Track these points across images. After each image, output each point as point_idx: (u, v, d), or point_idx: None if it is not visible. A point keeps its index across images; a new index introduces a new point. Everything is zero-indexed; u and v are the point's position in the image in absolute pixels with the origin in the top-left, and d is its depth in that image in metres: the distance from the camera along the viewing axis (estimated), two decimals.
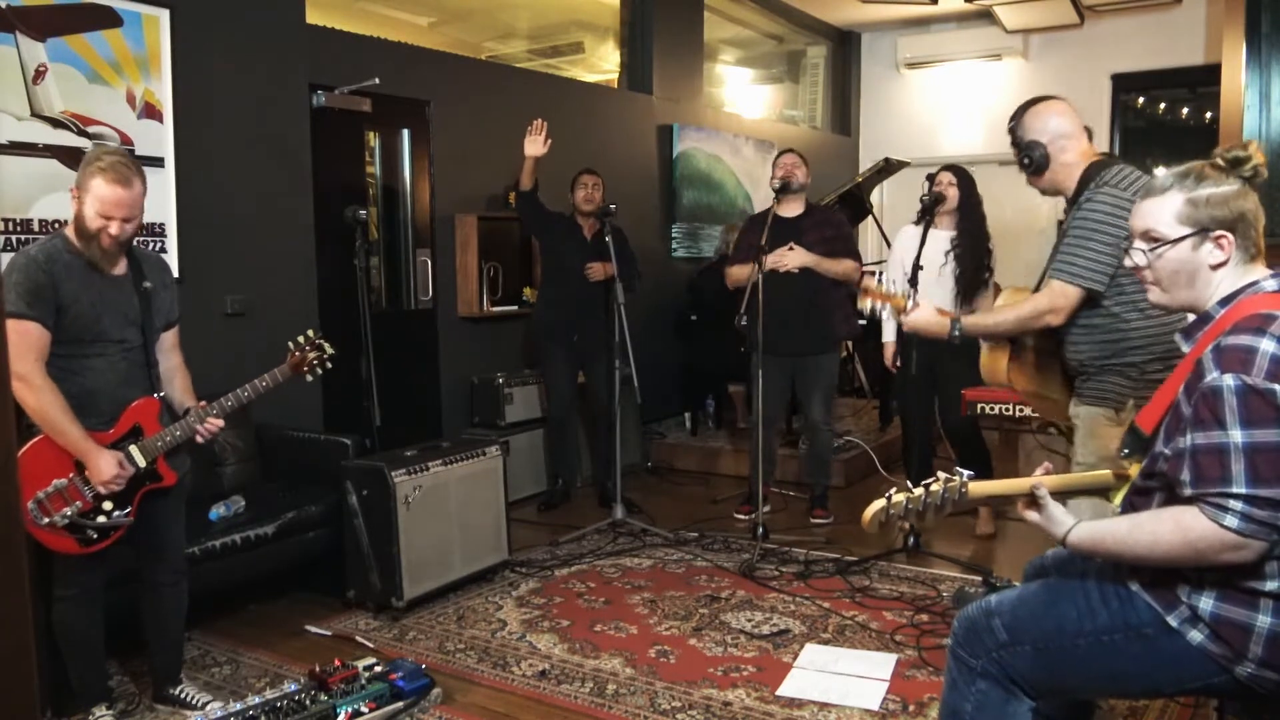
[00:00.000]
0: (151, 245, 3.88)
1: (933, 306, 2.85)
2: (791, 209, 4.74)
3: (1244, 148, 1.82)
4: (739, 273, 4.78)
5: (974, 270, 4.44)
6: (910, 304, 2.87)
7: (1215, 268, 1.80)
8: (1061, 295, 2.63)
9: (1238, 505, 1.60)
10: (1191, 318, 1.87)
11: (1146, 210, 1.87)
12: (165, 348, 2.93)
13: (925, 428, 4.73)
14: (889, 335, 4.84)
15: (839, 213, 5.03)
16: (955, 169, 4.63)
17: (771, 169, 4.85)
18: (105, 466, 2.68)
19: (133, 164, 2.72)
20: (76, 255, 2.71)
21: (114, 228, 2.67)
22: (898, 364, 4.83)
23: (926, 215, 4.42)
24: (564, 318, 5.11)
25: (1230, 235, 1.78)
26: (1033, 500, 1.87)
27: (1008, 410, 4.46)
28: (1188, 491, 1.66)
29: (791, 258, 4.59)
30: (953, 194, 4.54)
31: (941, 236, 4.53)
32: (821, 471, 5.04)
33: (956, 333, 2.75)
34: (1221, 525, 1.61)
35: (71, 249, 2.71)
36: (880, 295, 2.89)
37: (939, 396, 4.64)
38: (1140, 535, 1.71)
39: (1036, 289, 2.85)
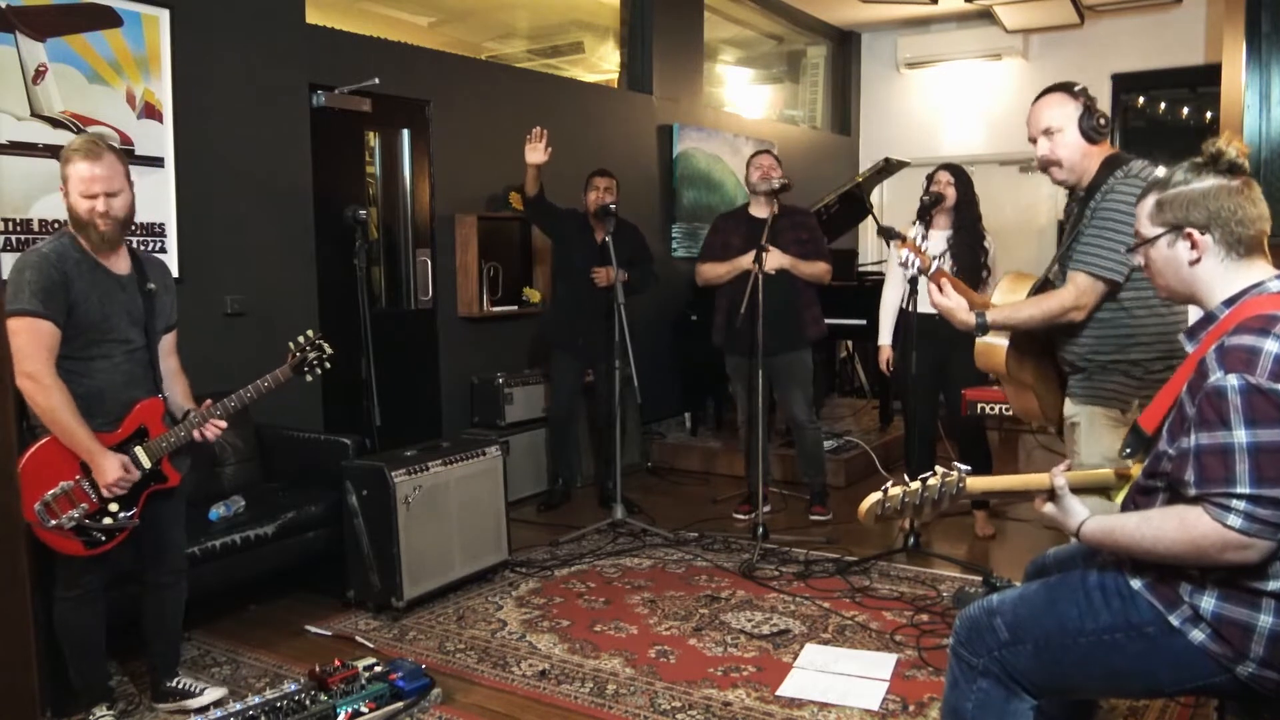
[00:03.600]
0: (151, 245, 3.88)
1: (962, 298, 2.81)
2: (763, 209, 4.74)
3: (1214, 142, 1.82)
4: (712, 271, 4.80)
5: (970, 268, 4.44)
6: (934, 266, 2.83)
7: (1193, 264, 1.81)
8: (1088, 291, 2.61)
9: (1241, 505, 1.61)
10: (1197, 315, 1.87)
11: (1136, 211, 1.92)
12: (164, 351, 2.93)
13: (928, 427, 4.73)
14: (885, 338, 4.84)
15: (811, 214, 5.05)
16: (953, 168, 4.64)
17: (748, 169, 4.84)
18: (110, 469, 2.68)
19: (102, 141, 2.75)
20: (84, 254, 2.71)
21: (99, 204, 2.67)
22: (890, 368, 4.84)
23: (925, 215, 4.44)
24: (572, 318, 5.11)
25: (1199, 232, 1.79)
26: (1050, 493, 1.88)
27: (1008, 410, 4.46)
28: (1192, 491, 1.67)
29: (769, 260, 4.58)
30: (950, 193, 4.55)
31: (938, 236, 4.54)
32: (815, 468, 5.04)
33: (980, 329, 2.71)
34: (1225, 525, 1.61)
35: (78, 248, 2.72)
36: (914, 247, 2.85)
37: (946, 395, 4.64)
38: (1147, 530, 1.72)
39: (1045, 277, 2.85)
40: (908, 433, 4.88)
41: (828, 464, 5.25)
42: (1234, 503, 1.61)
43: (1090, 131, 2.65)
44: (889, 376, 4.94)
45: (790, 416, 4.99)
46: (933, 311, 4.58)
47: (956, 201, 4.55)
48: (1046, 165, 2.73)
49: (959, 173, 4.62)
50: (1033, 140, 2.74)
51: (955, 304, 2.76)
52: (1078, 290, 2.62)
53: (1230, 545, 1.62)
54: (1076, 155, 2.68)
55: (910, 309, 4.39)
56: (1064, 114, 2.67)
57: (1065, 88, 2.71)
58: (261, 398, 2.93)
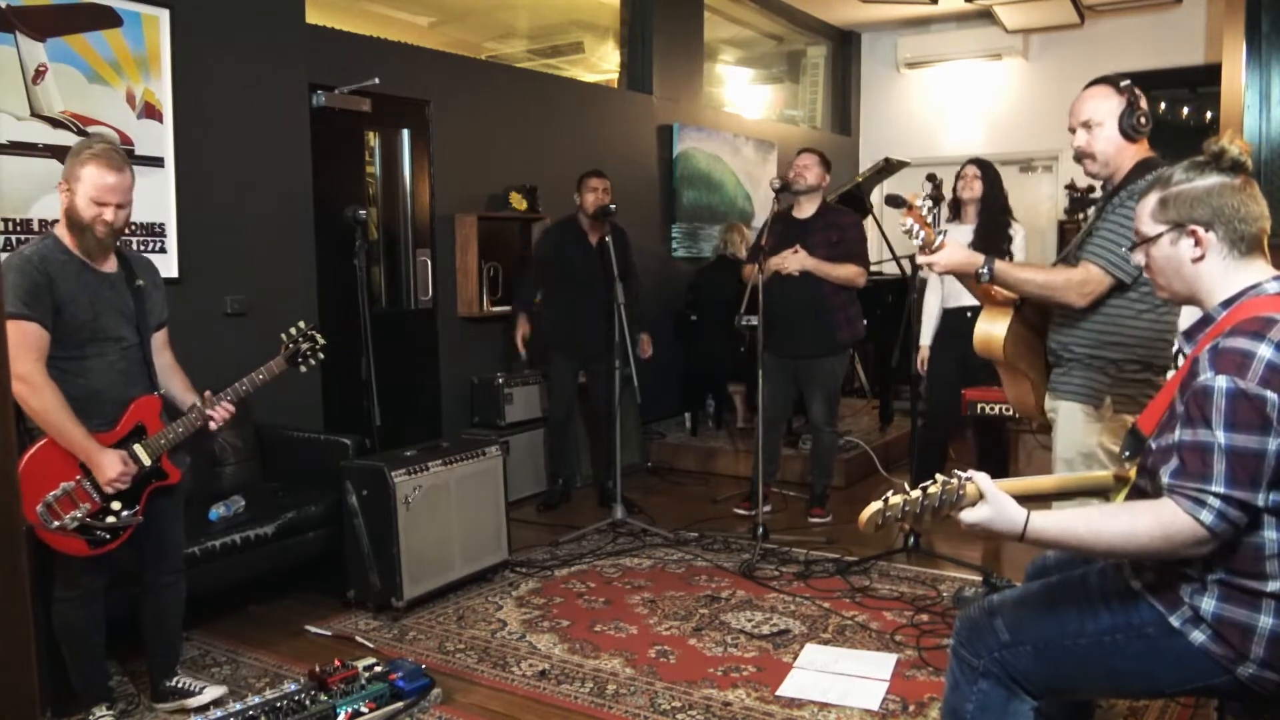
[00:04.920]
0: (151, 245, 3.88)
1: (962, 245, 2.76)
2: (805, 210, 4.74)
3: (1217, 140, 1.82)
4: (749, 271, 4.79)
5: None
6: (939, 241, 2.71)
7: (1196, 262, 1.81)
8: (1097, 280, 2.61)
9: (1216, 503, 1.62)
10: (1189, 321, 1.87)
11: (1136, 211, 1.91)
12: (157, 347, 2.94)
13: (943, 425, 4.75)
14: (925, 339, 4.80)
15: (850, 215, 4.98)
16: (980, 162, 4.66)
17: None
18: (109, 465, 2.68)
19: (121, 152, 2.76)
20: (70, 255, 2.71)
21: (108, 214, 2.68)
22: (925, 368, 4.81)
23: (952, 211, 4.56)
24: (570, 321, 5.10)
25: (1203, 229, 1.79)
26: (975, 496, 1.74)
27: (1007, 410, 4.46)
28: (1166, 480, 1.68)
29: (792, 261, 4.59)
30: (977, 186, 4.58)
31: (965, 229, 4.56)
32: (822, 472, 5.04)
33: (985, 271, 2.66)
34: (1197, 519, 1.63)
35: (64, 249, 2.71)
36: (921, 220, 2.72)
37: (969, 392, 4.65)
38: (1115, 525, 1.69)
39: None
40: (927, 432, 4.85)
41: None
42: (1209, 499, 1.63)
43: (1129, 129, 2.62)
44: (923, 376, 4.89)
45: (809, 419, 4.99)
46: (961, 305, 4.55)
47: (982, 195, 4.57)
48: (1081, 157, 2.72)
49: (986, 167, 4.64)
50: (1072, 130, 2.71)
51: (956, 255, 2.68)
52: (1086, 275, 2.62)
53: (1199, 540, 1.64)
54: (1111, 150, 2.66)
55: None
56: (1106, 108, 2.64)
57: (1111, 81, 2.68)
58: (256, 390, 2.94)
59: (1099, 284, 2.61)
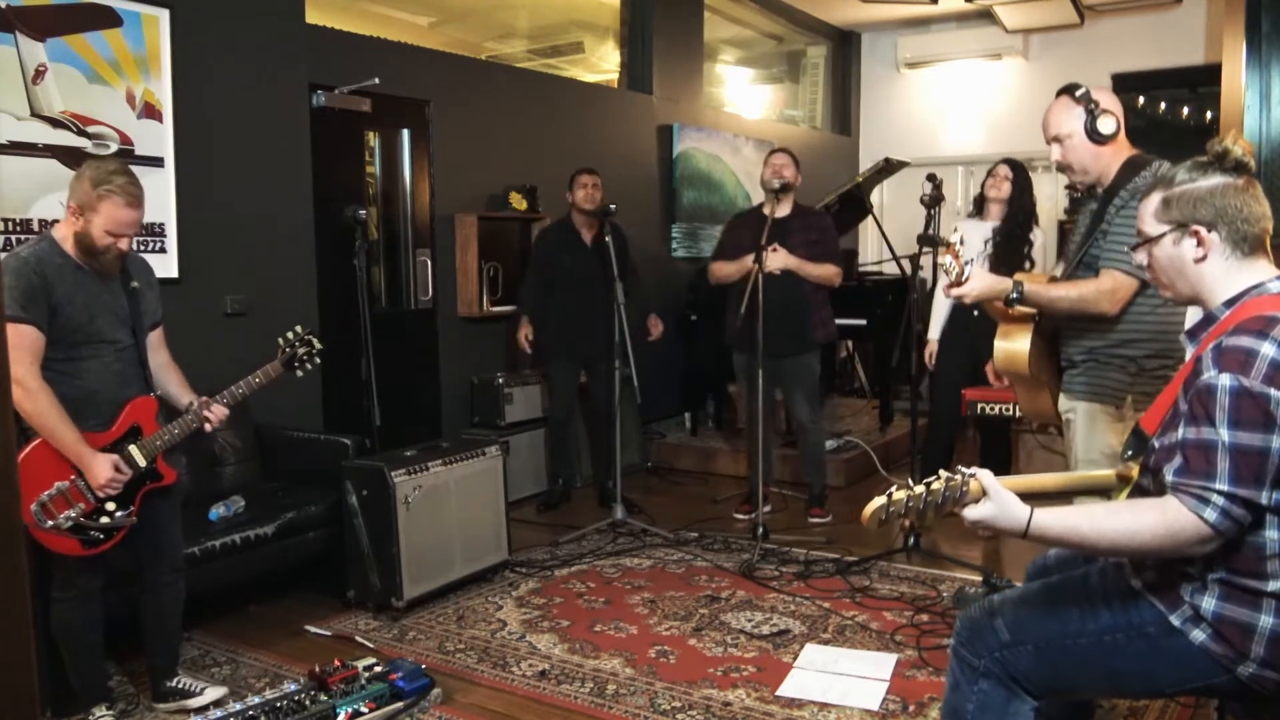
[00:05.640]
0: (151, 245, 3.88)
1: (987, 273, 2.77)
2: (779, 209, 4.72)
3: (1221, 141, 1.82)
4: (722, 270, 4.78)
5: (1012, 262, 4.41)
6: (966, 272, 2.70)
7: (1199, 262, 1.81)
8: (1126, 286, 2.61)
9: (1220, 501, 1.62)
10: (1196, 314, 1.87)
11: (1139, 211, 1.91)
12: (152, 346, 2.95)
13: (949, 423, 4.75)
14: (934, 333, 4.82)
15: (826, 215, 5.01)
16: (1014, 163, 4.68)
17: (763, 166, 4.80)
18: (101, 469, 2.68)
19: (136, 179, 2.75)
20: (66, 258, 2.72)
21: (124, 243, 2.73)
22: (933, 362, 4.82)
23: (975, 208, 4.64)
24: (569, 323, 5.10)
25: (1206, 230, 1.79)
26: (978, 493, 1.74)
27: (1007, 410, 4.46)
28: (1170, 479, 1.68)
29: (774, 259, 4.56)
30: (1005, 187, 4.60)
31: (984, 227, 4.58)
32: (816, 471, 5.03)
33: (1015, 295, 2.66)
34: (1201, 517, 1.63)
35: (60, 252, 2.72)
36: (957, 256, 2.70)
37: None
38: (1120, 522, 1.69)
39: (1056, 277, 2.84)
40: (932, 430, 4.86)
41: (827, 464, 5.25)
42: (1213, 497, 1.63)
43: (1095, 134, 2.64)
44: (930, 372, 4.89)
45: (794, 418, 4.99)
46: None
47: (1010, 196, 4.58)
48: (1062, 169, 2.75)
49: (1019, 169, 4.67)
50: (1049, 144, 2.75)
51: (982, 283, 2.69)
52: (1115, 283, 2.61)
53: (1202, 538, 1.64)
54: (1087, 158, 2.68)
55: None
56: (1069, 120, 2.67)
57: (1069, 91, 2.70)
58: (253, 393, 2.94)
59: (1128, 289, 2.61)
